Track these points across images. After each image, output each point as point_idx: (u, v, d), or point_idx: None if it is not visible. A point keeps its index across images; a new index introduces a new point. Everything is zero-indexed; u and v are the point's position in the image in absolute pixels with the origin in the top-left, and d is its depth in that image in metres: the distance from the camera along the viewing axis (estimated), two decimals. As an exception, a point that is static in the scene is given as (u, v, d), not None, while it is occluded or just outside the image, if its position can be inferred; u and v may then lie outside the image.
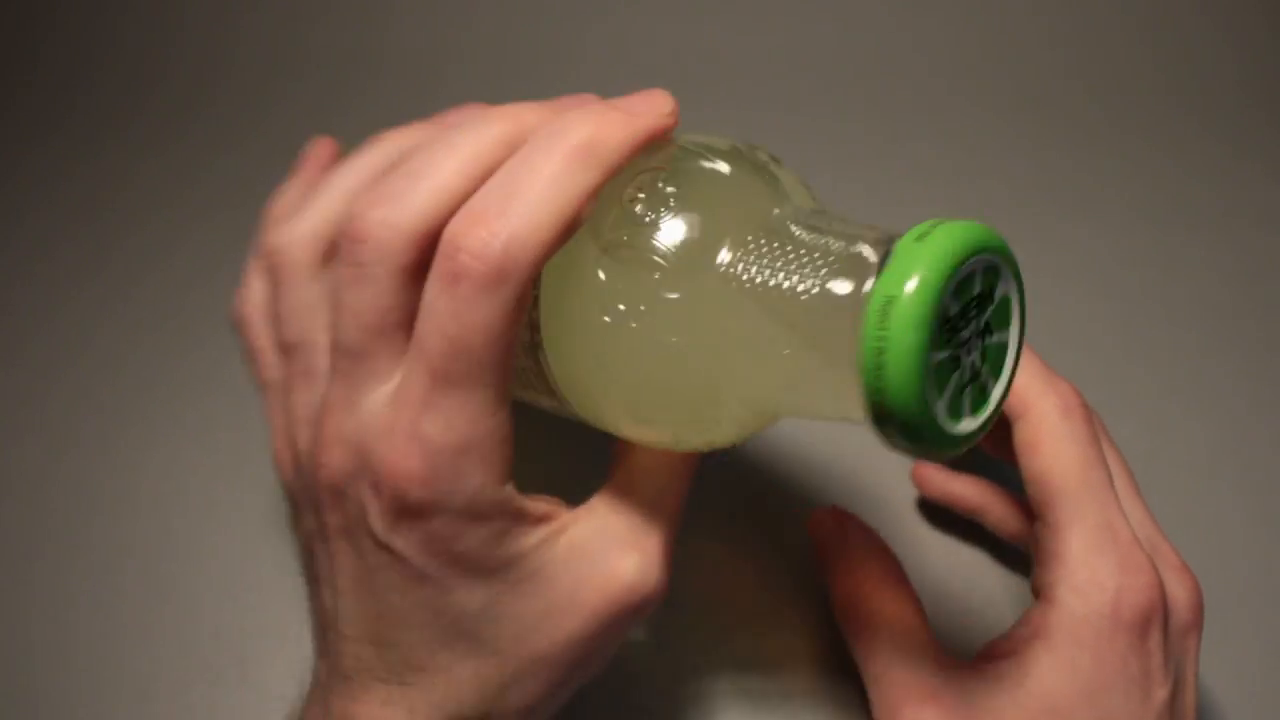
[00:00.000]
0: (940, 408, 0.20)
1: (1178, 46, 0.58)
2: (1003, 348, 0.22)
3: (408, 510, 0.22)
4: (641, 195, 0.23)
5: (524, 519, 0.24)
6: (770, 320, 0.21)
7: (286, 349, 0.25)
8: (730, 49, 0.59)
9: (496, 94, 0.29)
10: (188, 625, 0.36)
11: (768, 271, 0.21)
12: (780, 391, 0.23)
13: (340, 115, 0.53)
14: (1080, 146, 0.53)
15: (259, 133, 0.53)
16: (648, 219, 0.22)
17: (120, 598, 0.36)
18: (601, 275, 0.22)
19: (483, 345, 0.21)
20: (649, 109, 0.23)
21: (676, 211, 0.22)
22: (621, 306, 0.22)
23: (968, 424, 0.21)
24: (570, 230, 0.21)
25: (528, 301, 0.22)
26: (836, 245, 0.21)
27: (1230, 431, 0.40)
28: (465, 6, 0.60)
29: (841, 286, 0.20)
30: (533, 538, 0.24)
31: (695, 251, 0.22)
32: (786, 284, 0.21)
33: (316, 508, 0.24)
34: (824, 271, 0.21)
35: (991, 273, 0.21)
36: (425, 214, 0.22)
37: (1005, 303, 0.22)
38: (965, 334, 0.21)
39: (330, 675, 0.25)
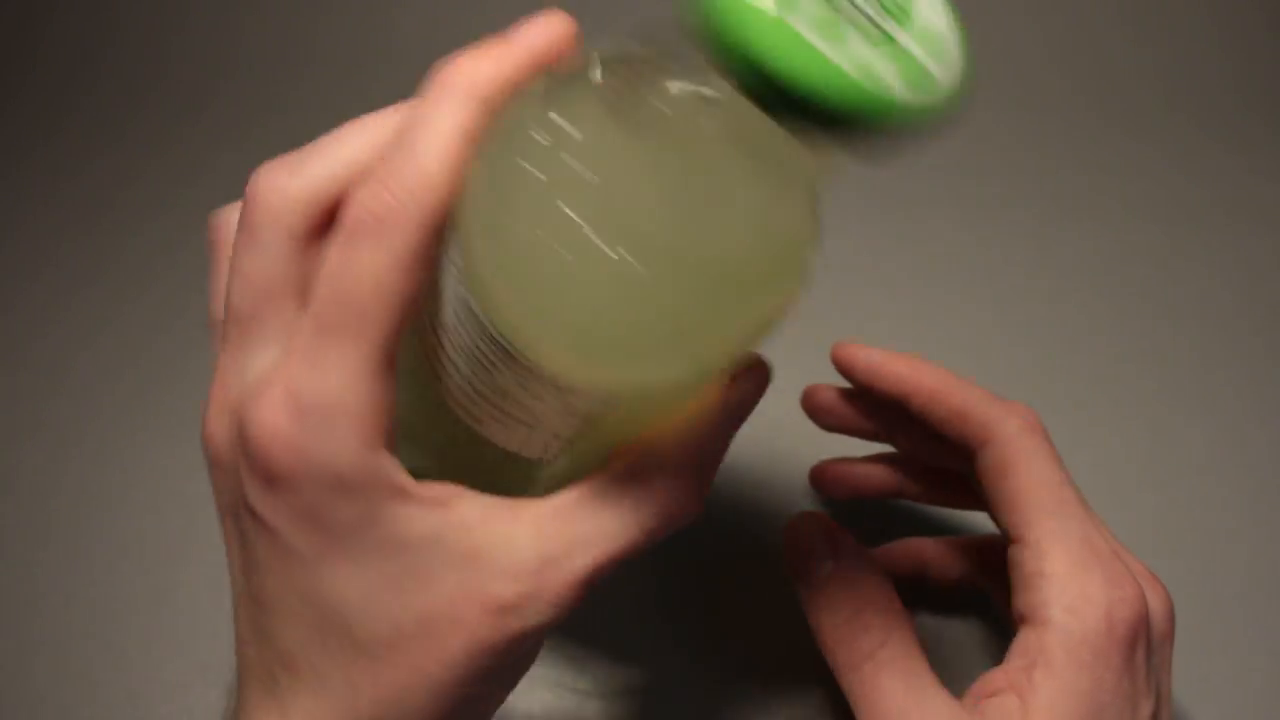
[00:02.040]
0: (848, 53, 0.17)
1: (1177, 47, 0.58)
2: None
3: (275, 477, 0.21)
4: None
5: (406, 498, 0.21)
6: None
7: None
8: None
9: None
10: (187, 625, 0.36)
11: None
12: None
13: (345, 115, 0.53)
14: (1079, 147, 0.53)
15: (262, 133, 0.53)
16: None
17: (121, 598, 0.36)
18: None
19: (369, 294, 0.20)
20: (535, 34, 0.23)
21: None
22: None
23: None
24: (459, 169, 0.21)
25: (427, 256, 0.21)
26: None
27: (1229, 432, 0.40)
28: (469, 6, 0.60)
29: None
30: (418, 524, 0.21)
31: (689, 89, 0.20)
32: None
33: (213, 484, 0.23)
34: None
35: None
36: (316, 180, 0.22)
37: None
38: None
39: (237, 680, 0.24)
